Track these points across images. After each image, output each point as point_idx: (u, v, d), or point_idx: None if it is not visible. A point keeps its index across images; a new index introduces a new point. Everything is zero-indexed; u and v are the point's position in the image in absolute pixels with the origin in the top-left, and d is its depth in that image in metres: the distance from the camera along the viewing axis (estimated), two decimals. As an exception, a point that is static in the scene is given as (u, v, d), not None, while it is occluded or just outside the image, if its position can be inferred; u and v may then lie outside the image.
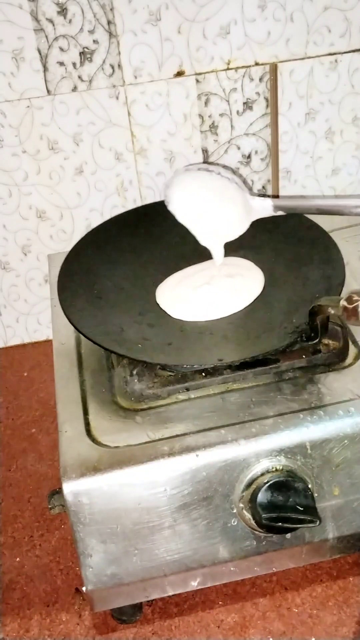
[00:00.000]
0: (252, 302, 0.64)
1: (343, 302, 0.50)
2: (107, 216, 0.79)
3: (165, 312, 0.64)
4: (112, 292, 0.66)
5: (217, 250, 0.67)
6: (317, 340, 0.57)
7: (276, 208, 0.64)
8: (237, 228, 0.66)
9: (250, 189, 0.83)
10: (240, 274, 0.67)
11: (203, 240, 0.67)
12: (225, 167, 0.81)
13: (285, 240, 0.69)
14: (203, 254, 0.69)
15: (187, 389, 0.57)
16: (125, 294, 0.66)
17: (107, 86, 0.75)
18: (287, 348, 0.57)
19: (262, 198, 0.65)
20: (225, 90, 0.77)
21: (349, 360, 0.58)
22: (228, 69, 0.76)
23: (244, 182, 0.83)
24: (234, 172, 0.82)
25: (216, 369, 0.57)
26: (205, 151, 0.81)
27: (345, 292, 0.59)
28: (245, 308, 0.64)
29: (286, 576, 0.63)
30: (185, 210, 0.67)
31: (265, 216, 0.65)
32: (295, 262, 0.67)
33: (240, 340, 0.60)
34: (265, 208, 0.65)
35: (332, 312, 0.54)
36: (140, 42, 0.73)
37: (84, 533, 0.52)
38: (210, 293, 0.64)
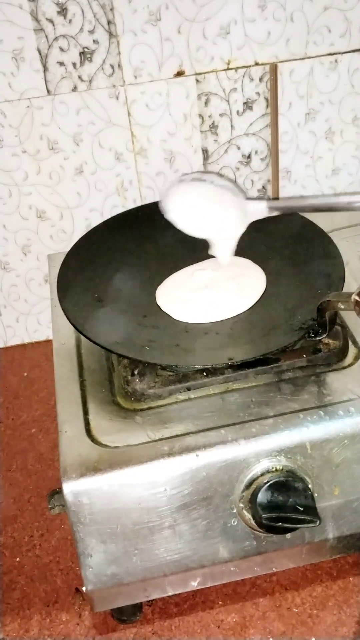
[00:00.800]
0: (255, 301, 0.64)
1: (355, 297, 0.50)
2: (107, 216, 0.79)
3: (168, 314, 0.64)
4: (113, 293, 0.66)
5: (222, 252, 0.67)
6: (325, 335, 0.57)
7: (271, 209, 0.65)
8: (234, 231, 0.67)
9: (244, 192, 0.83)
10: (242, 274, 0.66)
11: (211, 242, 0.68)
12: (219, 174, 0.81)
13: (282, 240, 0.69)
14: (202, 254, 0.69)
15: (189, 389, 0.57)
16: (126, 294, 0.66)
17: (107, 86, 0.75)
18: (292, 346, 0.57)
19: (257, 201, 0.66)
20: (225, 90, 0.77)
21: (349, 360, 0.58)
22: (228, 69, 0.76)
23: (237, 184, 0.82)
24: (227, 178, 0.81)
25: (218, 369, 0.57)
26: (205, 151, 0.81)
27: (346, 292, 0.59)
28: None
29: (286, 576, 0.63)
30: (184, 219, 0.67)
31: (261, 217, 0.65)
32: (293, 260, 0.67)
33: (248, 339, 0.60)
34: (260, 210, 0.65)
35: (342, 307, 0.54)
36: (140, 42, 0.73)
37: (84, 533, 0.52)
38: (214, 295, 0.64)
